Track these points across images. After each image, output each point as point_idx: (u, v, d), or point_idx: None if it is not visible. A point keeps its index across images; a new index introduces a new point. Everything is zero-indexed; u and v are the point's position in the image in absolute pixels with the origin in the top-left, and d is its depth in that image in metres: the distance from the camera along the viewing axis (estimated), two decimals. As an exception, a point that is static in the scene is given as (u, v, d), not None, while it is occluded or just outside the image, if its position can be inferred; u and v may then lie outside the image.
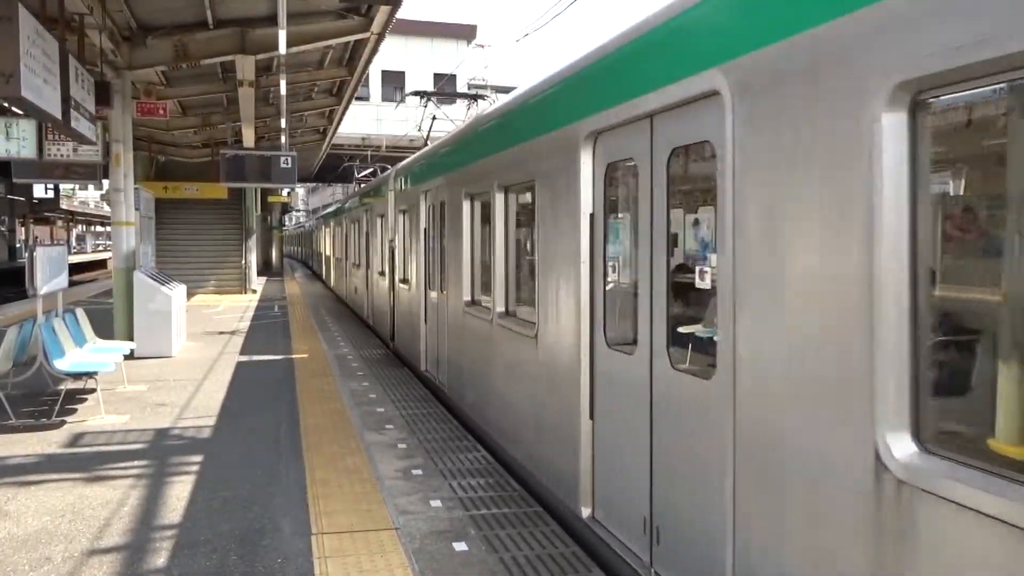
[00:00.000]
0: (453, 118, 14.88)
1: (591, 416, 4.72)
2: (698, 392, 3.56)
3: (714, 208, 3.40)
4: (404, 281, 11.26)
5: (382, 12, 11.23)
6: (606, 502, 4.56)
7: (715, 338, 3.34)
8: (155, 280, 12.17)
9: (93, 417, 7.94)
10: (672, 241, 3.89)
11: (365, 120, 33.11)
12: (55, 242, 52.41)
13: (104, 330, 11.03)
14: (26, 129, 9.98)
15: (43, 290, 8.38)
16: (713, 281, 3.55)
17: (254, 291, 24.54)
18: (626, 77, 4.16)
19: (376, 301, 14.43)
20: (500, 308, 6.57)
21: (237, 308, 19.82)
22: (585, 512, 4.73)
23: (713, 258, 3.54)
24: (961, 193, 2.54)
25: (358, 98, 22.15)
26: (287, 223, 64.67)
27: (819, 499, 2.67)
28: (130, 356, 10.28)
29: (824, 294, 2.65)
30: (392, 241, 12.06)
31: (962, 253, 2.50)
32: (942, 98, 2.30)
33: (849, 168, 2.51)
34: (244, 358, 11.81)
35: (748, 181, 3.06)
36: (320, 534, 4.81)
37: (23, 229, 48.97)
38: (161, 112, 13.60)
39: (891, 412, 2.35)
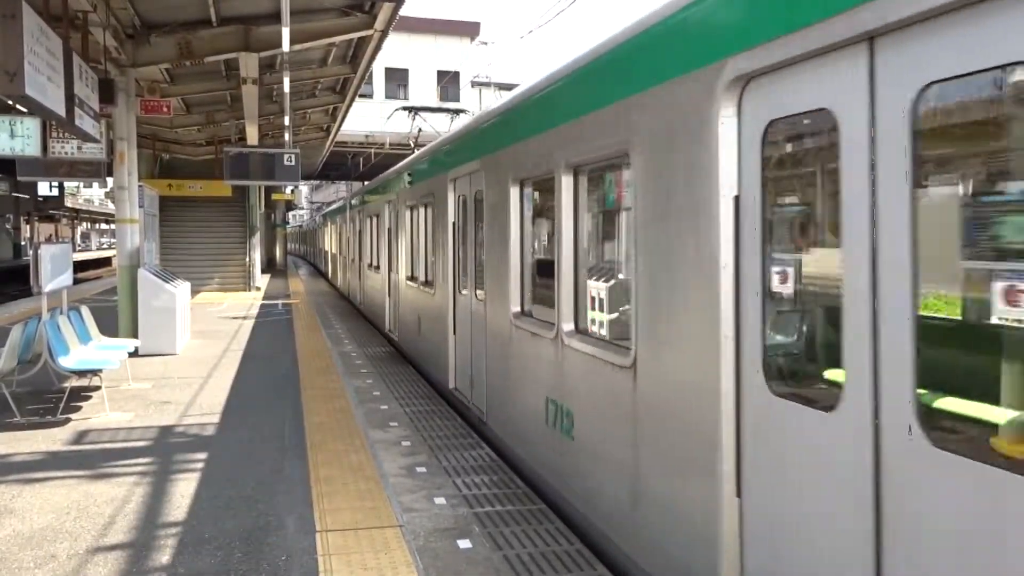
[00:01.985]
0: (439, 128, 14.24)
1: (454, 332, 8.54)
2: (467, 302, 7.86)
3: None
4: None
5: (385, 9, 11.23)
6: (461, 377, 8.28)
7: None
8: (159, 278, 12.18)
9: (98, 415, 7.96)
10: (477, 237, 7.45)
11: (368, 117, 33.10)
12: (59, 240, 52.54)
13: (108, 328, 11.05)
14: (30, 127, 9.97)
15: (48, 288, 8.40)
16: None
17: (258, 289, 24.56)
18: (461, 153, 7.92)
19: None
20: (420, 277, 10.55)
21: (241, 306, 19.85)
22: (451, 385, 8.58)
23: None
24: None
25: (361, 95, 22.12)
26: (291, 220, 64.73)
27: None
28: (134, 354, 10.30)
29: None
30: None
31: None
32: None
33: None
34: (248, 356, 11.82)
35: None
36: (324, 531, 4.81)
37: (28, 227, 49.04)
38: (165, 110, 13.61)
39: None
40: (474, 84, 36.44)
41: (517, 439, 6.07)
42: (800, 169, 3.09)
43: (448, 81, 34.98)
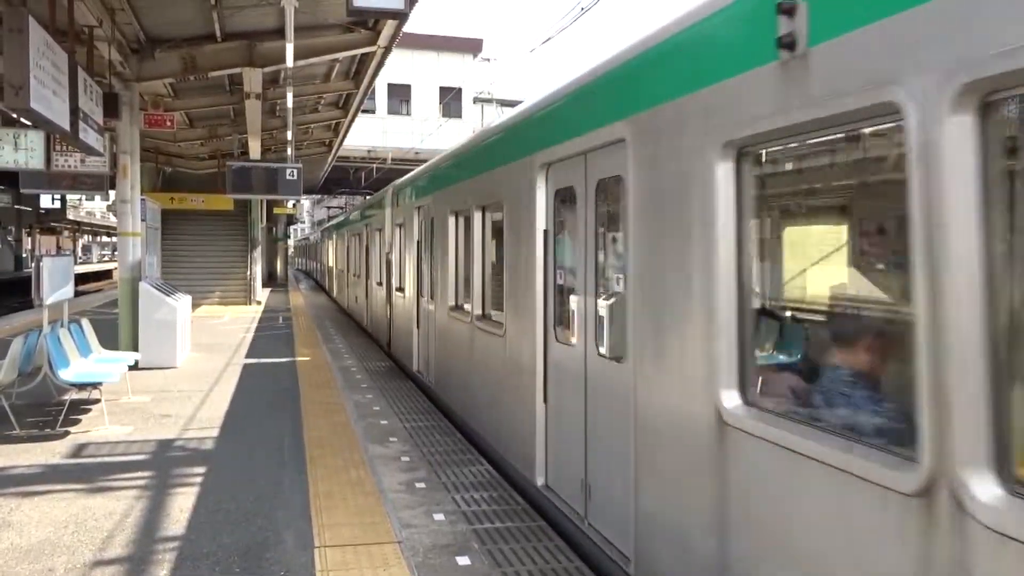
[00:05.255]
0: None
1: (417, 326, 10.51)
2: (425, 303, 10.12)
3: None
4: None
5: (389, 26, 11.30)
6: (422, 362, 10.38)
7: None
8: (160, 291, 12.19)
9: (97, 428, 7.94)
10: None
11: (371, 132, 33.24)
12: (60, 252, 52.63)
13: (109, 340, 11.04)
14: (34, 140, 10.02)
15: (49, 300, 8.41)
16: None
17: (259, 302, 24.57)
18: (423, 188, 10.05)
19: None
20: (396, 283, 12.62)
21: (242, 319, 19.85)
22: (415, 368, 10.63)
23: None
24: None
25: (364, 110, 22.24)
26: (290, 235, 64.82)
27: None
28: (135, 367, 10.29)
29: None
30: None
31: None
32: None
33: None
34: (248, 370, 11.81)
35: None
36: (323, 547, 4.80)
37: (29, 239, 49.11)
38: (168, 124, 13.68)
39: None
40: (476, 100, 36.61)
41: (448, 391, 8.64)
42: (568, 216, 5.23)
43: (451, 97, 35.14)
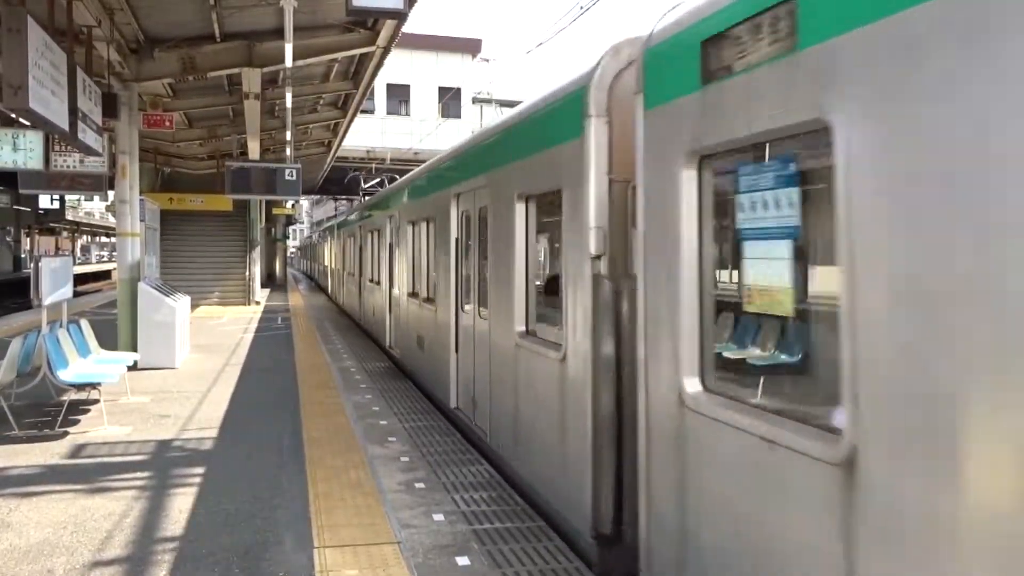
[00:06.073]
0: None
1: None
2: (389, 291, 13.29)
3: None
4: None
5: (388, 26, 11.30)
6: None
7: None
8: (159, 291, 12.18)
9: (96, 428, 7.94)
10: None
11: (370, 133, 33.23)
12: (59, 252, 52.62)
13: (108, 341, 11.04)
14: (33, 140, 10.01)
15: (48, 301, 8.40)
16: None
17: (257, 303, 24.56)
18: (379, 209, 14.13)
19: None
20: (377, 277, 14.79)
21: (241, 320, 19.84)
22: (387, 344, 12.75)
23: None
24: None
25: (363, 111, 22.23)
26: (291, 236, 64.78)
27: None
28: (133, 367, 10.28)
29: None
30: None
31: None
32: None
33: None
34: (247, 370, 11.80)
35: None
36: (322, 548, 4.79)
37: (28, 239, 49.08)
38: (167, 124, 13.67)
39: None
40: (475, 100, 36.63)
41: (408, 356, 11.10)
42: (470, 230, 7.59)
43: (450, 97, 35.15)
